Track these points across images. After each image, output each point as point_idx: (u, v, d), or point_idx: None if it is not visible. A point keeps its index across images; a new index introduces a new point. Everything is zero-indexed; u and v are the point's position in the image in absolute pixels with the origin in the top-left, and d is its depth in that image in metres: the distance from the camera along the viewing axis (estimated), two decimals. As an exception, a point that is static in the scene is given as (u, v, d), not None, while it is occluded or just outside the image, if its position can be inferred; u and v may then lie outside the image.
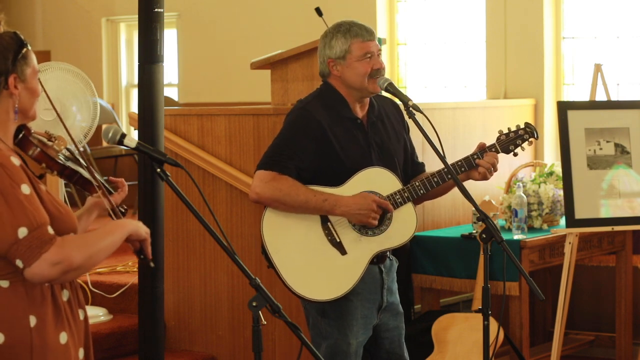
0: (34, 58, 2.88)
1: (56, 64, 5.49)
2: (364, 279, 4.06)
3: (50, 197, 2.82)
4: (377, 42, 4.10)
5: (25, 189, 2.72)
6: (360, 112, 4.13)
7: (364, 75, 4.04)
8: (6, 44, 2.81)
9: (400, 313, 4.25)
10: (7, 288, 2.76)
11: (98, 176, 3.03)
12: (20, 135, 2.87)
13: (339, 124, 4.06)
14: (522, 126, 4.18)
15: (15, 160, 2.76)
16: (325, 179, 4.02)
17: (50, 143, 2.91)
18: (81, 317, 2.94)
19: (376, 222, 4.01)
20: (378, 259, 4.11)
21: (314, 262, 4.02)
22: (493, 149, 4.12)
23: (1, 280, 2.76)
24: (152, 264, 3.00)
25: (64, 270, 2.71)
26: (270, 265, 4.02)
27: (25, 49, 2.84)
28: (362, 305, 4.09)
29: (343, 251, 4.03)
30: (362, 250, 4.03)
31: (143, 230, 2.94)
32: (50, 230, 2.72)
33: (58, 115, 3.34)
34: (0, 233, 2.68)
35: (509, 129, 4.18)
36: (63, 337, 2.84)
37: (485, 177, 4.11)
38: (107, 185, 3.05)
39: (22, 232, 2.68)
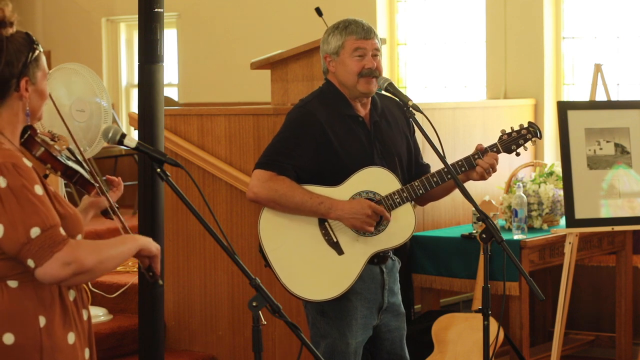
0: (44, 60, 2.87)
1: (79, 66, 5.53)
2: (363, 279, 4.05)
3: (58, 197, 2.82)
4: (377, 43, 4.08)
5: (39, 189, 2.72)
6: (362, 110, 4.12)
7: (354, 74, 4.02)
8: (19, 46, 2.80)
9: (402, 314, 4.24)
10: (17, 288, 2.77)
11: (96, 175, 3.03)
12: (26, 135, 2.87)
13: (340, 123, 4.06)
14: (526, 125, 4.16)
15: (27, 162, 2.77)
16: (325, 178, 4.01)
17: (52, 142, 2.92)
18: (85, 318, 2.94)
19: (371, 229, 3.99)
20: (379, 259, 4.11)
21: (311, 262, 4.02)
22: (495, 149, 4.10)
23: (10, 281, 2.76)
24: (160, 282, 2.98)
25: (75, 272, 2.70)
26: (267, 264, 4.02)
27: (37, 51, 2.83)
28: (362, 305, 4.09)
29: (340, 251, 4.02)
30: (359, 250, 4.03)
31: (154, 246, 2.93)
32: (63, 232, 2.72)
33: (62, 118, 3.34)
34: (12, 233, 2.68)
35: (511, 128, 4.15)
36: (71, 338, 2.84)
37: (483, 177, 4.08)
38: (102, 185, 3.04)
39: (35, 232, 2.68)
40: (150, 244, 2.92)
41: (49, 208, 2.73)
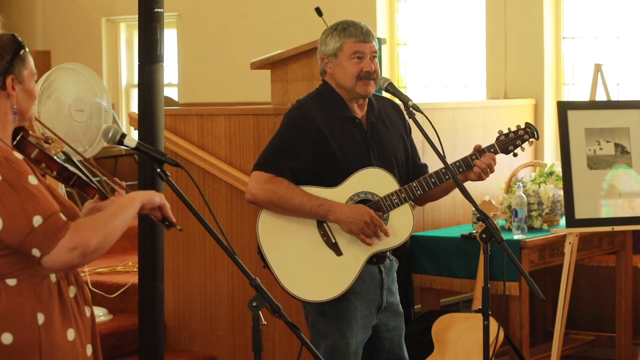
0: (31, 60, 2.89)
1: (79, 66, 5.53)
2: (363, 279, 4.05)
3: (52, 190, 2.83)
4: (375, 46, 4.08)
5: (33, 179, 2.74)
6: (359, 111, 4.12)
7: (352, 76, 4.02)
8: (4, 45, 2.83)
9: (400, 313, 4.24)
10: (15, 286, 2.77)
11: (91, 177, 3.03)
12: (19, 137, 2.87)
13: (337, 124, 4.05)
14: (523, 126, 4.16)
15: (18, 155, 2.78)
16: (323, 179, 4.01)
17: (47, 145, 2.92)
18: (87, 314, 2.95)
19: (367, 240, 3.98)
20: (377, 259, 4.11)
21: (310, 263, 4.02)
22: (492, 150, 4.11)
23: (9, 279, 2.77)
24: (179, 228, 2.97)
25: (82, 254, 2.72)
26: (266, 265, 4.02)
27: (22, 51, 2.85)
28: (362, 305, 4.08)
29: (339, 252, 4.02)
30: (357, 251, 4.02)
31: (157, 197, 2.92)
32: (63, 217, 2.73)
33: (49, 129, 3.34)
34: (15, 224, 2.69)
35: (509, 129, 4.16)
36: (71, 334, 2.85)
37: (480, 178, 4.09)
38: (102, 188, 3.04)
39: (37, 220, 2.69)
40: (151, 197, 2.91)
41: (47, 196, 2.74)
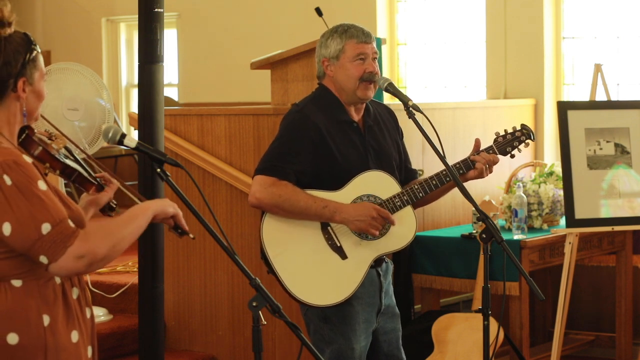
0: (42, 60, 2.87)
1: (79, 66, 5.52)
2: (364, 284, 4.04)
3: (60, 194, 2.82)
4: (376, 47, 4.08)
5: (42, 185, 2.72)
6: (356, 115, 4.11)
7: (355, 78, 4.01)
8: (17, 46, 2.80)
9: (397, 315, 4.24)
10: (20, 287, 2.76)
11: (91, 171, 3.03)
12: (24, 135, 2.87)
13: (335, 127, 4.04)
14: (519, 128, 4.17)
15: (28, 158, 2.77)
16: (324, 182, 4.00)
17: (50, 142, 2.92)
18: (88, 316, 2.95)
19: (376, 233, 3.98)
20: (376, 263, 4.10)
21: (315, 267, 4.00)
22: (491, 151, 4.11)
23: (14, 280, 2.76)
24: (192, 236, 2.96)
25: (89, 263, 2.71)
26: (270, 270, 4.00)
27: (35, 52, 2.83)
28: (363, 310, 4.07)
29: (343, 255, 4.01)
30: (362, 254, 4.02)
31: (170, 206, 2.91)
32: (71, 224, 2.72)
33: (50, 122, 3.34)
34: (22, 230, 2.68)
35: (505, 130, 4.16)
36: (74, 336, 2.84)
37: (481, 174, 4.08)
38: (100, 182, 3.04)
39: (46, 227, 2.68)
40: (164, 207, 2.90)
41: (56, 202, 2.73)
